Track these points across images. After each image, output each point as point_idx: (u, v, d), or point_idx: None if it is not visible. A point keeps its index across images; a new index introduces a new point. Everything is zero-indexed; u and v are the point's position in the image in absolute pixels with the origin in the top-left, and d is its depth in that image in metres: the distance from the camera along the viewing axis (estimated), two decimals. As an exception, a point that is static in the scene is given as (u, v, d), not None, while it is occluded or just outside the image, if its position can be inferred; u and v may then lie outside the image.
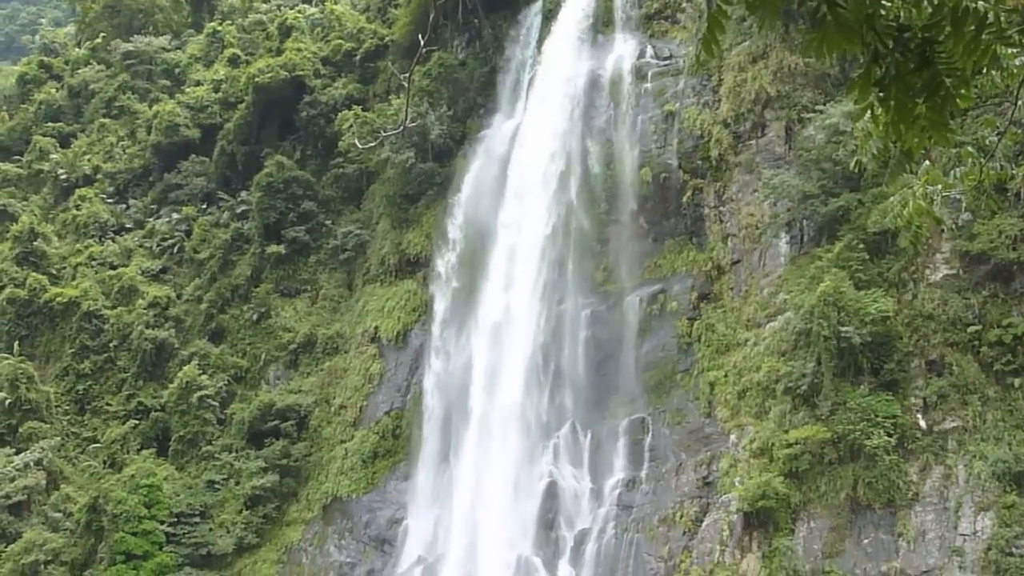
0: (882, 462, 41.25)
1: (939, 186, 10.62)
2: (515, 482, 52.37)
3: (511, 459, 52.90)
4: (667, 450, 49.95)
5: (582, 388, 53.77)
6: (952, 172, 10.81)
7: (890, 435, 41.34)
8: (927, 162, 10.62)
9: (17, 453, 62.02)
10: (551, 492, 51.86)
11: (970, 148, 11.06)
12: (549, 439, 53.17)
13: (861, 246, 44.77)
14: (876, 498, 41.60)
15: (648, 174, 54.23)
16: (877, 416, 41.68)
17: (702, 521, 45.94)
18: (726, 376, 48.76)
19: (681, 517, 47.30)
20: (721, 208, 52.42)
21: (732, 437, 47.13)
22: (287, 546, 58.64)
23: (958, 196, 42.65)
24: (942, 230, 43.23)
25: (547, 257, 55.60)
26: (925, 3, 7.63)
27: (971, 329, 42.18)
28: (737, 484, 44.93)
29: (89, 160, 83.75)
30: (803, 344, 44.76)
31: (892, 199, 10.96)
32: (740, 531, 43.73)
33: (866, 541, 41.51)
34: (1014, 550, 38.32)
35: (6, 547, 57.01)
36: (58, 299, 70.40)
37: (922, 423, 41.99)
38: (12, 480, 59.90)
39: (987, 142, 11.68)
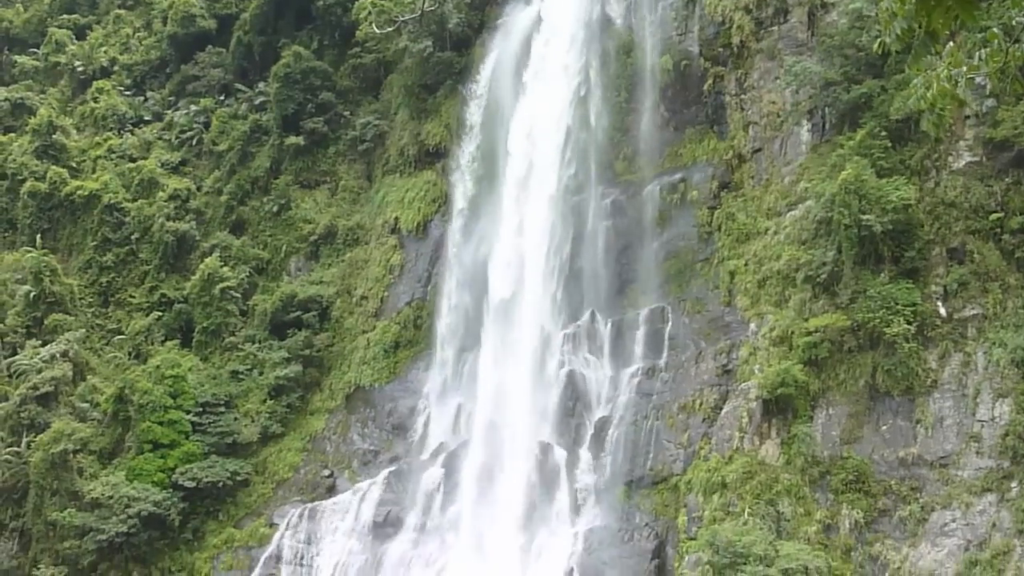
0: (901, 350, 41.37)
1: (963, 68, 10.49)
2: (535, 371, 52.78)
3: (531, 348, 53.23)
4: (687, 339, 50.18)
5: (602, 277, 53.87)
6: (977, 55, 10.66)
7: (910, 323, 41.40)
8: (951, 44, 10.48)
9: (43, 345, 62.69)
10: (571, 381, 52.28)
11: (996, 30, 10.89)
12: (569, 328, 53.44)
13: (883, 134, 44.33)
14: (895, 385, 41.81)
15: (669, 62, 53.61)
16: (897, 304, 41.69)
17: (721, 408, 46.34)
18: (746, 265, 48.74)
19: (700, 404, 47.70)
20: (742, 96, 51.88)
21: (752, 325, 47.28)
22: (311, 434, 59.47)
23: (982, 81, 42.18)
24: (966, 117, 42.78)
25: (567, 147, 55.28)
26: None
27: (993, 217, 41.96)
28: (756, 372, 45.19)
29: (105, 52, 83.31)
30: (824, 232, 44.63)
31: (915, 81, 10.83)
32: (759, 418, 44.11)
33: (884, 427, 41.83)
34: (1031, 436, 38.67)
35: (36, 437, 57.94)
36: (79, 192, 70.53)
37: (942, 311, 42.01)
38: (39, 372, 60.63)
39: (1014, 23, 11.48)
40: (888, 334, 41.44)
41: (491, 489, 51.43)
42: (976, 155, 42.91)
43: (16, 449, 58.51)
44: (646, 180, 54.00)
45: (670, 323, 51.16)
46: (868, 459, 41.53)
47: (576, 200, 54.74)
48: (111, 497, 54.61)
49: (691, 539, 43.50)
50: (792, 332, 44.42)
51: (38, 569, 55.17)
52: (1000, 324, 40.57)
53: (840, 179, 42.80)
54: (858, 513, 40.71)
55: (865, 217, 42.22)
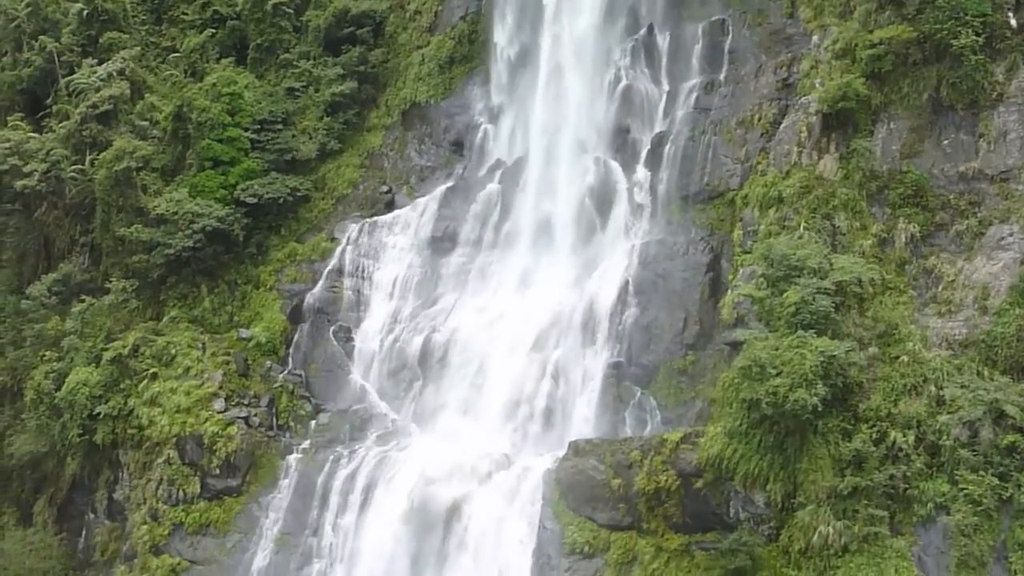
0: (968, 62, 40.45)
1: None
2: (592, 86, 52.25)
3: (588, 63, 52.54)
4: (747, 52, 49.26)
5: (661, -9, 52.62)
6: None
7: (978, 34, 40.30)
8: None
9: (99, 64, 62.74)
10: (628, 96, 51.83)
11: None
12: (626, 42, 52.53)
13: None
14: (959, 99, 41.11)
15: None
16: (966, 15, 40.47)
17: (780, 123, 45.89)
18: (810, -26, 47.30)
19: (759, 119, 47.26)
20: None
21: (814, 38, 46.23)
22: (368, 151, 59.74)
23: None
24: None
25: None
26: None
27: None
28: (817, 86, 44.49)
29: None
30: (894, -61, 42.97)
31: None
32: (818, 132, 43.73)
33: (946, 142, 41.40)
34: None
35: (98, 154, 58.76)
36: (120, -95, 68.89)
37: (1012, 21, 40.79)
38: (97, 90, 60.88)
39: None
40: (955, 46, 40.44)
41: (547, 204, 51.94)
42: None
43: (80, 167, 59.53)
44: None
45: (730, 36, 50.13)
46: (927, 173, 41.29)
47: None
48: (175, 213, 55.71)
49: (746, 253, 43.98)
50: (855, 44, 43.42)
51: (110, 282, 57.04)
52: (1074, 32, 39.46)
53: None
54: (914, 227, 40.83)
55: (938, -76, 40.55)
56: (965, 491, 35.11)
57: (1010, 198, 39.59)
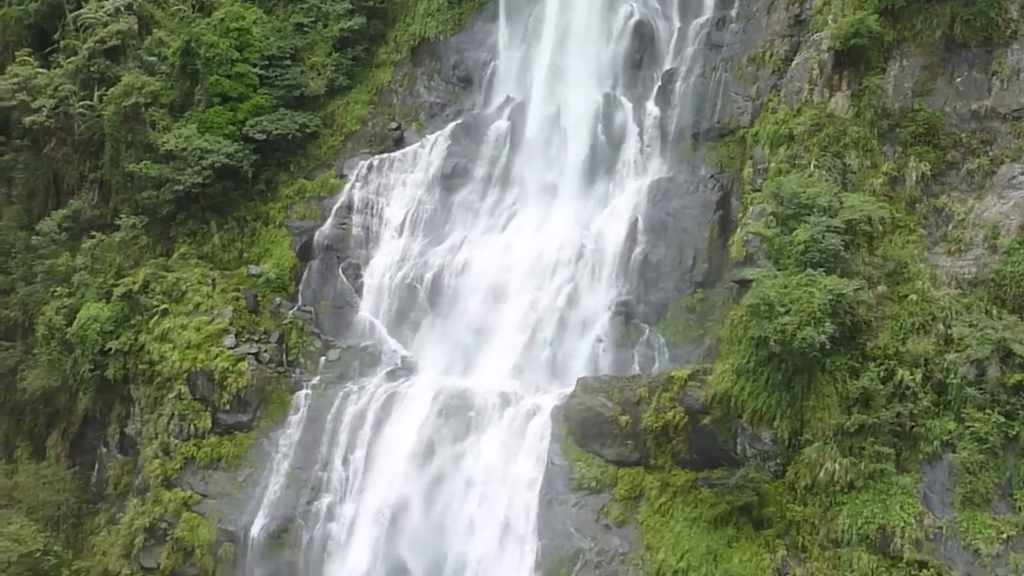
0: (982, -1, 40.18)
1: None
2: (602, 21, 51.85)
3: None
4: (759, -13, 48.83)
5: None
6: None
7: (993, -30, 40.00)
8: None
9: (107, -2, 62.52)
10: (639, 32, 51.47)
11: None
12: (638, -23, 52.20)
13: None
14: (973, 36, 40.77)
15: None
16: (981, -51, 40.14)
17: (792, 60, 45.52)
18: (825, -81, 46.69)
19: (771, 56, 46.88)
20: None
21: (827, -26, 45.87)
22: (377, 87, 59.32)
23: None
24: None
25: None
26: None
27: None
28: (830, 22, 44.08)
29: None
30: None
31: None
32: (830, 70, 43.41)
33: (959, 80, 41.13)
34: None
35: (107, 90, 58.60)
36: None
37: (1028, -44, 40.40)
38: (105, 25, 60.59)
39: None
40: (969, -21, 40.14)
41: (557, 139, 51.74)
42: None
43: (89, 103, 59.42)
44: None
45: (742, -29, 49.73)
46: (940, 112, 41.05)
47: None
48: (184, 149, 55.53)
49: (756, 191, 43.87)
50: (870, -22, 43.08)
51: (119, 218, 57.15)
52: (1089, -32, 39.08)
53: None
54: (925, 166, 40.69)
55: None
56: (971, 429, 35.36)
57: (1022, 137, 39.44)
